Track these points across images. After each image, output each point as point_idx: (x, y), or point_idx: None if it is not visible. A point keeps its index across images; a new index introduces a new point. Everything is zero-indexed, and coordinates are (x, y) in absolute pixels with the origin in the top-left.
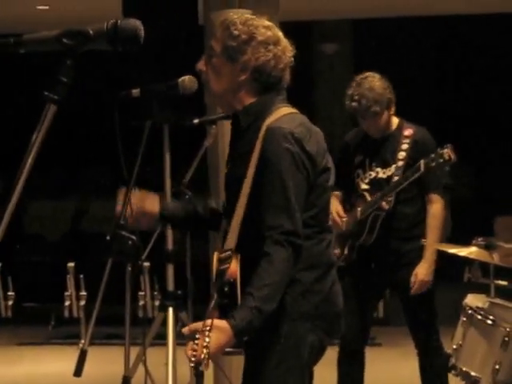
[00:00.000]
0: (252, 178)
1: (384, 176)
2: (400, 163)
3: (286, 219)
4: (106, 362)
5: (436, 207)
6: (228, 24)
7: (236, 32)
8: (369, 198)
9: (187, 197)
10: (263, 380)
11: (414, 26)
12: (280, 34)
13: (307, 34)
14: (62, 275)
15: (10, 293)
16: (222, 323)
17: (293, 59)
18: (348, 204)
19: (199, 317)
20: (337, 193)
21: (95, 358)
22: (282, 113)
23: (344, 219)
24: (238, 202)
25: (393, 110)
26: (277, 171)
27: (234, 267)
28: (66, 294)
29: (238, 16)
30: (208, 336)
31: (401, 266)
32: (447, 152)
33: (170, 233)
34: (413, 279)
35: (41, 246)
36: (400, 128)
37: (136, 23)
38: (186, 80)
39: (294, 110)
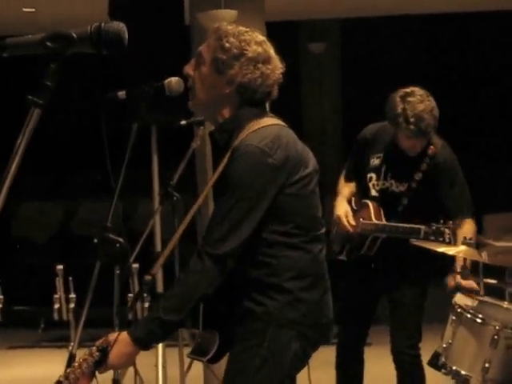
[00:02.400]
0: (210, 193)
1: (397, 190)
2: (414, 185)
3: (215, 233)
4: None
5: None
6: (221, 35)
7: (227, 45)
8: (372, 215)
9: (175, 199)
10: (243, 382)
11: (401, 24)
12: (271, 50)
13: (295, 33)
14: (51, 278)
15: None
16: (122, 335)
17: (281, 77)
18: (357, 200)
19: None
20: (349, 184)
21: None
22: (252, 128)
23: (352, 224)
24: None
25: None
26: (230, 187)
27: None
28: (56, 296)
29: (232, 27)
30: (90, 355)
31: (397, 271)
32: (448, 235)
33: (158, 234)
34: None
35: (30, 248)
36: (428, 144)
37: (119, 26)
38: (173, 81)
39: (265, 123)
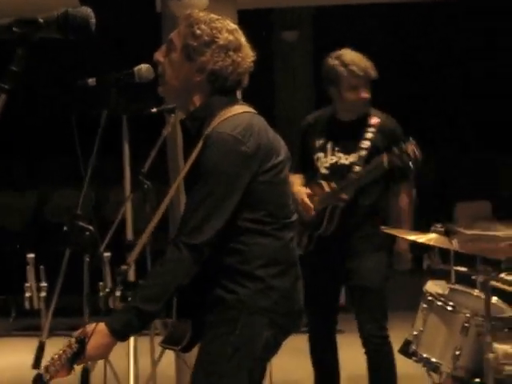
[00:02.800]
0: (182, 182)
1: (346, 162)
2: (363, 152)
3: (190, 221)
4: None
5: (405, 199)
6: (192, 22)
7: (198, 32)
8: (326, 188)
9: (146, 187)
10: (214, 370)
11: (374, 12)
12: (243, 39)
13: (267, 21)
14: (23, 266)
15: None
16: (99, 326)
17: (252, 65)
18: (307, 188)
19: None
20: (298, 175)
21: (56, 349)
22: (224, 116)
23: (310, 206)
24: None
25: None
26: (203, 175)
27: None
28: (27, 285)
29: (204, 15)
30: (69, 347)
31: (353, 255)
32: (412, 149)
33: (129, 223)
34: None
35: (1, 236)
36: (367, 114)
37: (87, 11)
38: (143, 69)
39: (236, 110)
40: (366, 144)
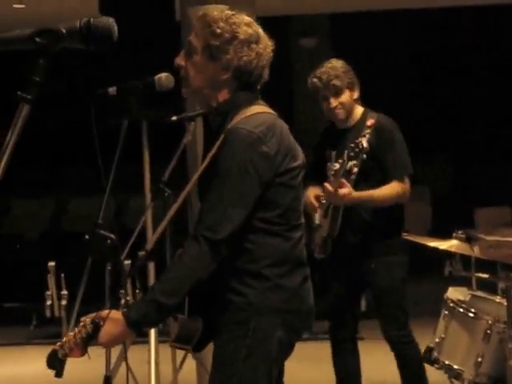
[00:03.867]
0: (201, 177)
1: (347, 167)
2: (361, 155)
3: (211, 217)
4: (88, 361)
5: (395, 186)
6: (209, 21)
7: (218, 30)
8: (328, 188)
9: (166, 195)
10: (231, 374)
11: (392, 19)
12: (260, 30)
13: (285, 29)
14: (43, 274)
15: None
16: (115, 314)
17: (272, 54)
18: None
19: None
20: (314, 188)
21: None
22: (247, 113)
23: (316, 204)
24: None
25: (356, 94)
26: (222, 172)
27: None
28: (47, 293)
29: (219, 12)
30: (84, 327)
31: (364, 259)
32: (360, 141)
33: (150, 231)
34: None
35: (21, 245)
36: (364, 118)
37: (109, 21)
38: (163, 77)
39: (260, 109)
40: (364, 146)
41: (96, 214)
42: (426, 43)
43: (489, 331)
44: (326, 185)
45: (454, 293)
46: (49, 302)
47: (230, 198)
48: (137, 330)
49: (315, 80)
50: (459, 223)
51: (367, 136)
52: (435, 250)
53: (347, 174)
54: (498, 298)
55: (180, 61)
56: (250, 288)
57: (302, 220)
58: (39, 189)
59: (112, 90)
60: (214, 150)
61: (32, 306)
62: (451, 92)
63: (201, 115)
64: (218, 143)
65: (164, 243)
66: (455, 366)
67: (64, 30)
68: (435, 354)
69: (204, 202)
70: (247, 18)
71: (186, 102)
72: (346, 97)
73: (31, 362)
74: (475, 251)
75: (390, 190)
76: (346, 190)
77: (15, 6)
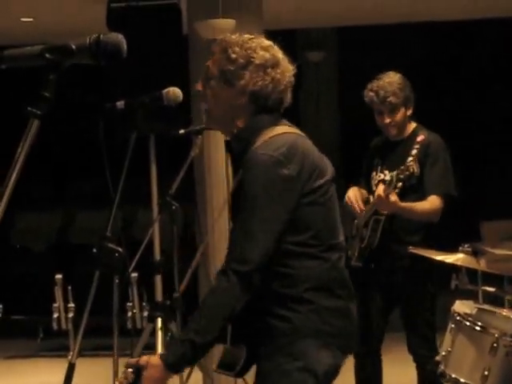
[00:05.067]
0: (228, 207)
1: (387, 178)
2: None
3: (237, 248)
4: (95, 373)
5: (435, 201)
6: (225, 46)
7: (233, 55)
8: (371, 199)
9: (174, 208)
10: None
11: (398, 33)
12: (279, 54)
13: (292, 42)
14: (50, 287)
15: None
16: (154, 360)
17: (293, 79)
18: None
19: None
20: (355, 188)
21: (84, 370)
22: (268, 135)
23: (361, 207)
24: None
25: (410, 111)
26: (247, 200)
27: None
28: (54, 305)
29: (236, 37)
30: (126, 377)
31: (397, 270)
32: (411, 165)
33: (157, 243)
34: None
35: (28, 257)
36: (415, 133)
37: (118, 37)
38: (171, 91)
39: (281, 130)
40: (410, 160)
41: (103, 226)
42: (434, 57)
43: (495, 344)
44: (379, 189)
45: (460, 306)
46: (56, 315)
47: (255, 226)
48: (176, 372)
49: (371, 94)
50: (465, 236)
51: (416, 156)
52: (441, 263)
53: (394, 187)
54: (504, 312)
55: (199, 87)
56: (293, 312)
57: (341, 238)
58: (46, 201)
59: (120, 104)
60: (238, 177)
61: (39, 318)
62: (459, 106)
63: (208, 129)
64: (241, 170)
65: (171, 256)
66: (462, 380)
67: (74, 47)
68: (442, 367)
69: (231, 232)
70: (266, 42)
71: (192, 116)
72: (400, 115)
73: (38, 374)
74: (481, 265)
75: (430, 204)
76: (394, 198)
77: (23, 19)
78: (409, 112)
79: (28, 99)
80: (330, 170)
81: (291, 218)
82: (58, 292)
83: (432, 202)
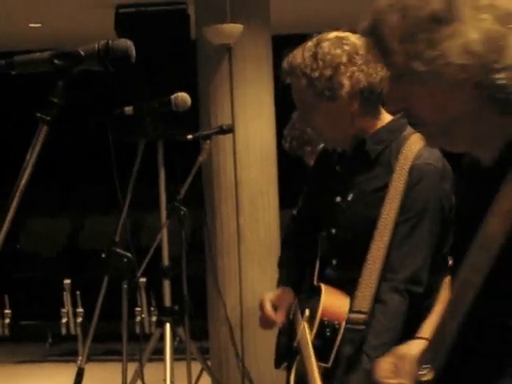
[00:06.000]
0: (393, 219)
1: None
2: None
3: (411, 266)
4: (104, 378)
5: None
6: (303, 70)
7: (316, 74)
8: None
9: (182, 213)
10: None
11: None
12: (358, 42)
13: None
14: (59, 292)
15: (6, 311)
16: None
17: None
18: None
19: (196, 332)
20: None
21: (93, 374)
22: (418, 143)
23: None
24: (373, 246)
25: None
26: (419, 214)
27: (342, 310)
28: (63, 310)
29: (309, 54)
30: None
31: None
32: None
33: (165, 248)
34: None
35: (37, 263)
36: None
37: (127, 43)
38: (179, 97)
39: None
40: None
41: (111, 231)
42: None
43: None
44: None
45: None
46: (64, 320)
47: (427, 243)
48: None
49: None
50: None
51: None
52: None
53: None
54: None
55: (299, 120)
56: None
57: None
58: (55, 207)
59: (128, 109)
60: (398, 190)
61: (48, 323)
62: None
63: (217, 134)
64: (397, 179)
65: (180, 261)
66: None
67: (82, 53)
68: None
69: (398, 246)
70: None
71: (200, 121)
72: None
73: (47, 379)
74: None
75: None
76: None
77: (31, 25)
78: None
79: (35, 105)
80: None
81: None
82: (67, 297)
83: None
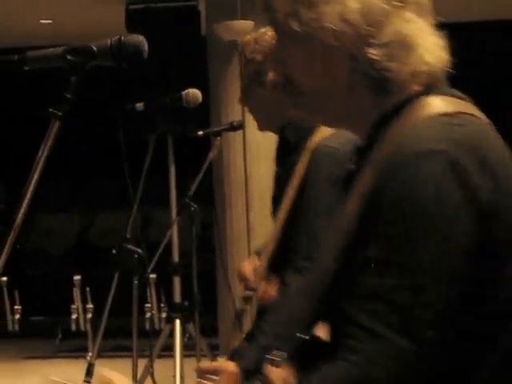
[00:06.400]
0: (291, 199)
1: None
2: None
3: (306, 243)
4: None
5: None
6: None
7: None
8: None
9: (193, 209)
10: None
11: None
12: None
13: None
14: (69, 288)
15: (16, 307)
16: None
17: None
18: None
19: (205, 328)
20: None
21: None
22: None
23: None
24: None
25: None
26: (307, 199)
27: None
28: (73, 307)
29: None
30: None
31: None
32: None
33: (176, 245)
34: None
35: (47, 259)
36: None
37: (139, 39)
38: (190, 93)
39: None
40: None
41: (122, 227)
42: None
43: None
44: None
45: None
46: (74, 316)
47: (315, 223)
48: None
49: None
50: None
51: None
52: None
53: None
54: None
55: None
56: None
57: None
58: (65, 203)
59: (139, 105)
60: (300, 167)
61: (57, 319)
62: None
63: (227, 130)
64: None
65: (190, 258)
66: None
67: (95, 48)
68: None
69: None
70: None
71: (211, 117)
72: None
73: (57, 375)
74: None
75: None
76: None
77: (42, 21)
78: None
79: (51, 99)
80: None
81: None
82: (77, 293)
83: None
